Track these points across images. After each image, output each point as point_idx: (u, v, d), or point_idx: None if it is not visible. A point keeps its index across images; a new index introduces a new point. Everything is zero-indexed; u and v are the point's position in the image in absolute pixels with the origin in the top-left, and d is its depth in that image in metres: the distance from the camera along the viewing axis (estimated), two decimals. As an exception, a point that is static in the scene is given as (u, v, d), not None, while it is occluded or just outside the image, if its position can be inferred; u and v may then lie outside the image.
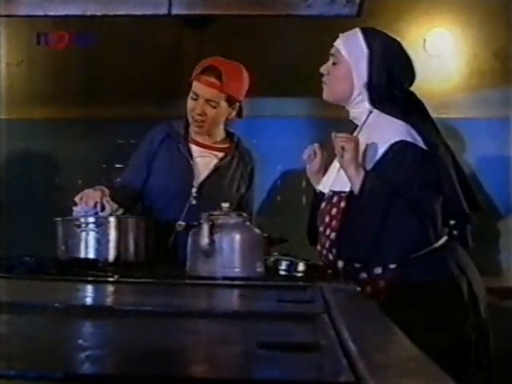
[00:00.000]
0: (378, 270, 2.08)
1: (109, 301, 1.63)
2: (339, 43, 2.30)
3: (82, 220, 2.25)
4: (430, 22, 4.01)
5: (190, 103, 2.66)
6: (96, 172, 4.32)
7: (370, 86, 2.22)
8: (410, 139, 2.13)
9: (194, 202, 2.62)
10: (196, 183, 2.66)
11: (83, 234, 2.23)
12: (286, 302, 1.37)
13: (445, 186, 2.14)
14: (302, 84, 3.98)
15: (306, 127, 4.32)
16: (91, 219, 2.26)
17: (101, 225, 2.24)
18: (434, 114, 3.78)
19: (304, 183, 4.24)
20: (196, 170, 2.69)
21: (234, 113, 2.71)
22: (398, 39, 2.41)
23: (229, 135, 2.82)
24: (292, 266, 1.99)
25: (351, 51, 2.27)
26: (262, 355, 0.87)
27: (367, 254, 2.09)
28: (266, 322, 1.16)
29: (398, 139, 2.13)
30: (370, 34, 2.30)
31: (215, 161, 2.73)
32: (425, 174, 2.12)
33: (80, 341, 0.99)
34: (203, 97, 2.62)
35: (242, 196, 2.78)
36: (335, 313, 1.18)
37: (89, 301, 1.58)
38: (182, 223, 2.05)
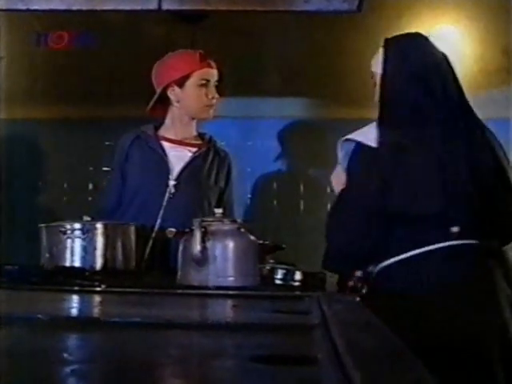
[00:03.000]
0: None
1: (96, 312, 1.63)
2: (372, 63, 2.39)
3: (68, 226, 2.25)
4: (434, 18, 4.02)
5: (199, 91, 2.78)
6: (83, 175, 4.33)
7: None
8: (357, 138, 2.22)
9: (171, 195, 2.70)
10: (172, 176, 2.73)
11: (69, 241, 2.23)
12: (281, 312, 1.38)
13: (394, 185, 2.14)
14: (299, 83, 4.00)
15: (304, 128, 4.34)
16: (77, 225, 2.26)
17: (87, 231, 2.24)
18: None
19: (302, 187, 4.26)
20: (171, 164, 2.77)
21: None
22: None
23: (200, 135, 2.91)
24: (288, 275, 2.00)
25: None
26: (255, 369, 0.88)
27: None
28: (260, 334, 1.16)
29: (344, 138, 2.29)
30: (387, 43, 2.39)
31: (189, 154, 2.82)
32: (364, 172, 2.19)
33: (65, 354, 1.00)
34: (213, 79, 2.80)
35: (222, 191, 2.82)
36: (332, 324, 1.19)
37: (74, 312, 1.59)
38: (173, 230, 2.05)
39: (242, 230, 2.02)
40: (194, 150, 2.83)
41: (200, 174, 2.78)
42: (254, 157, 4.25)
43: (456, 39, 3.97)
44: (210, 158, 2.83)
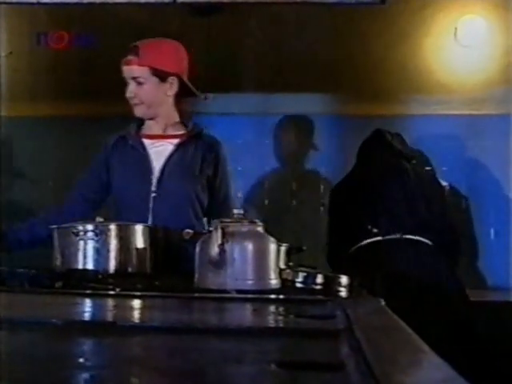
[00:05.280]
0: None
1: (111, 316, 1.64)
2: None
3: (80, 228, 2.26)
4: (461, 8, 4.00)
5: (127, 91, 2.78)
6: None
7: None
8: None
9: (156, 193, 2.72)
10: (155, 173, 2.75)
11: (81, 242, 2.23)
12: (304, 317, 1.38)
13: None
14: (319, 78, 3.99)
15: (327, 124, 4.33)
16: (90, 226, 2.27)
17: (101, 233, 2.24)
18: (464, 110, 3.83)
19: (322, 187, 4.25)
20: (152, 161, 2.79)
21: (173, 88, 2.81)
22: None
23: (184, 124, 2.91)
24: (310, 278, 1.99)
25: None
26: (279, 375, 0.88)
27: None
28: (283, 340, 1.17)
29: None
30: None
31: (170, 147, 2.82)
32: None
33: (81, 359, 1.00)
34: (128, 77, 2.76)
35: (210, 180, 2.82)
36: (358, 329, 1.19)
37: (89, 316, 1.59)
38: (190, 231, 2.06)
39: (262, 231, 2.02)
40: (176, 141, 2.85)
41: (182, 165, 2.79)
42: (269, 154, 4.27)
43: (484, 31, 3.94)
44: (192, 147, 2.84)
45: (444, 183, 3.90)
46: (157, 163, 2.78)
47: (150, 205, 2.71)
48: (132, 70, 2.75)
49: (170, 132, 2.87)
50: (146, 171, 2.77)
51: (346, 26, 3.84)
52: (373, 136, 3.64)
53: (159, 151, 2.82)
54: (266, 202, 4.26)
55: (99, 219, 2.31)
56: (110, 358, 1.06)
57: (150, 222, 2.62)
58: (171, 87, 2.80)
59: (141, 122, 2.88)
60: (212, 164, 2.85)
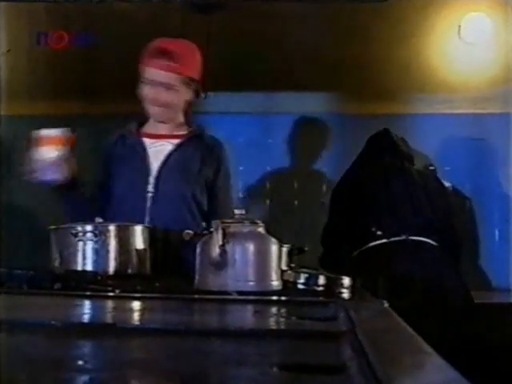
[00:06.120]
0: None
1: (110, 318, 1.64)
2: None
3: (79, 228, 2.26)
4: (465, 6, 4.00)
5: (144, 91, 2.76)
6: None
7: None
8: None
9: (153, 193, 2.73)
10: (152, 173, 2.76)
11: (80, 243, 2.24)
12: (306, 319, 1.38)
13: None
14: (321, 76, 3.99)
15: (330, 124, 4.33)
16: (89, 227, 2.27)
17: (100, 234, 2.25)
18: (468, 109, 3.83)
19: (325, 187, 4.25)
20: (150, 161, 2.79)
21: (192, 93, 2.82)
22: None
23: (186, 124, 2.92)
24: (312, 280, 1.99)
25: None
26: (282, 377, 0.88)
27: None
28: (285, 342, 1.17)
29: None
30: None
31: (170, 147, 2.83)
32: None
33: (80, 362, 1.00)
34: (157, 80, 2.73)
35: (210, 182, 2.82)
36: (361, 331, 1.19)
37: (88, 318, 1.60)
38: (190, 232, 2.06)
39: (263, 231, 2.02)
40: (176, 141, 2.85)
41: (180, 166, 2.79)
42: (271, 154, 4.27)
43: (489, 28, 3.94)
44: (191, 148, 2.84)
45: (447, 184, 3.91)
46: (155, 163, 2.79)
47: (147, 205, 2.72)
48: (165, 75, 2.71)
49: (173, 132, 2.87)
50: (144, 171, 2.77)
51: (348, 24, 3.84)
52: (379, 134, 3.65)
53: (158, 151, 2.82)
54: (268, 201, 4.27)
55: (98, 220, 2.31)
56: (110, 360, 1.06)
57: (146, 223, 2.61)
58: (192, 93, 2.81)
59: (142, 120, 2.88)
60: (213, 166, 2.85)
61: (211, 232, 1.92)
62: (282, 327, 1.41)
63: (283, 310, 1.66)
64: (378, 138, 3.66)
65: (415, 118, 4.36)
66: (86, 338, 1.19)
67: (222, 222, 1.94)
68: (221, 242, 1.89)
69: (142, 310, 1.69)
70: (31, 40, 3.91)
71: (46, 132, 2.50)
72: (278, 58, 4.04)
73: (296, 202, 4.45)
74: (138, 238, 2.34)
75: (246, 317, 1.65)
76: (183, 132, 2.88)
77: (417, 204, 3.37)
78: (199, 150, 2.84)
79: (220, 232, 1.90)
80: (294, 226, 4.33)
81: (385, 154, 3.55)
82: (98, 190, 2.83)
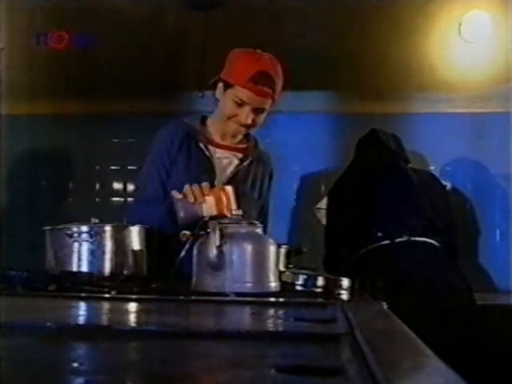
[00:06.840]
0: None
1: (106, 319, 1.64)
2: None
3: (74, 229, 2.26)
4: (465, 3, 3.99)
5: (232, 109, 2.70)
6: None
7: None
8: None
9: None
10: (218, 185, 2.65)
11: (75, 244, 2.24)
12: (304, 320, 1.38)
13: None
14: (321, 76, 4.00)
15: (324, 124, 4.33)
16: (84, 228, 2.27)
17: (95, 234, 2.25)
18: (469, 108, 3.84)
19: (323, 187, 4.25)
20: (216, 173, 2.75)
21: None
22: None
23: (245, 135, 2.88)
24: (310, 281, 2.00)
25: None
26: (281, 380, 0.88)
27: None
28: (283, 344, 1.17)
29: None
30: None
31: (236, 162, 2.81)
32: None
33: (76, 364, 1.00)
34: (255, 105, 2.68)
35: (262, 204, 2.83)
36: (359, 333, 1.19)
37: (84, 320, 1.59)
38: (187, 232, 2.06)
39: (261, 232, 2.02)
40: (240, 155, 2.83)
41: (244, 189, 2.76)
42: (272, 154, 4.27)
43: (490, 27, 3.94)
44: (253, 167, 2.84)
45: (445, 183, 3.91)
46: (221, 177, 2.74)
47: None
48: (263, 101, 2.67)
49: (237, 144, 2.85)
50: (208, 181, 2.63)
51: (347, 22, 3.84)
52: (366, 136, 3.65)
53: (225, 165, 2.79)
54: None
55: (94, 220, 2.31)
56: (105, 362, 1.06)
57: None
58: None
59: (203, 117, 2.84)
60: (264, 183, 2.89)
61: (208, 233, 1.92)
62: (280, 329, 1.41)
63: (281, 312, 1.66)
64: (365, 139, 3.66)
65: (415, 116, 4.36)
66: (81, 340, 1.19)
67: (219, 223, 1.94)
68: (218, 243, 1.89)
69: (138, 312, 1.69)
70: (31, 40, 3.92)
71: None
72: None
73: (294, 202, 4.45)
74: (134, 238, 2.34)
75: (243, 318, 1.65)
76: (244, 145, 2.87)
77: (418, 204, 3.37)
78: (260, 170, 2.87)
79: (217, 233, 1.90)
80: (292, 226, 4.33)
81: (374, 154, 3.56)
82: (158, 188, 2.73)
